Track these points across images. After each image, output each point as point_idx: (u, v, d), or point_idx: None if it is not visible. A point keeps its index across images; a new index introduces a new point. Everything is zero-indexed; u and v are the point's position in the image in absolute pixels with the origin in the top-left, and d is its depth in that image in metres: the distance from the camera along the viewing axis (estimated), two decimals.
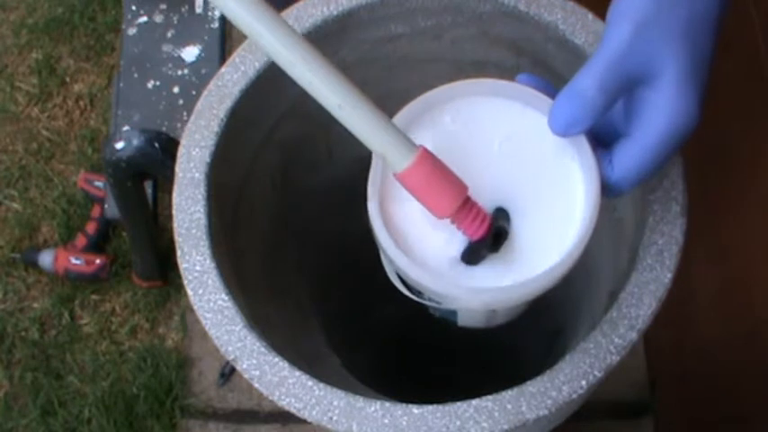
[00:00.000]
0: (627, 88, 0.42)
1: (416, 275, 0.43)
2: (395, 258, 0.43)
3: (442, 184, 0.42)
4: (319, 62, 0.41)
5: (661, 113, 0.41)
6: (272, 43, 0.40)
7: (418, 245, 0.44)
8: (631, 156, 0.43)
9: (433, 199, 0.42)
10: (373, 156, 0.44)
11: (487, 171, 0.44)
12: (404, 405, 0.48)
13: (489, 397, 0.48)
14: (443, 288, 0.43)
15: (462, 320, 0.50)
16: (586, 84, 0.41)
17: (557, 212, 0.44)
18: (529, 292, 0.43)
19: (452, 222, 0.43)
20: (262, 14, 0.39)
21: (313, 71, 0.41)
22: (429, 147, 0.42)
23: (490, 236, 0.43)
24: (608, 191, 0.44)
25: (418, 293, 0.45)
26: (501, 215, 0.44)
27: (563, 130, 0.42)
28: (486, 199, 0.44)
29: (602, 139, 0.44)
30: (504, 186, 0.44)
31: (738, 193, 0.81)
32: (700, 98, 0.42)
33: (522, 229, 0.44)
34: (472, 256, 0.44)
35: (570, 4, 0.56)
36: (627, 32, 0.41)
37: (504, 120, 0.45)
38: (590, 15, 0.56)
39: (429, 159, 0.42)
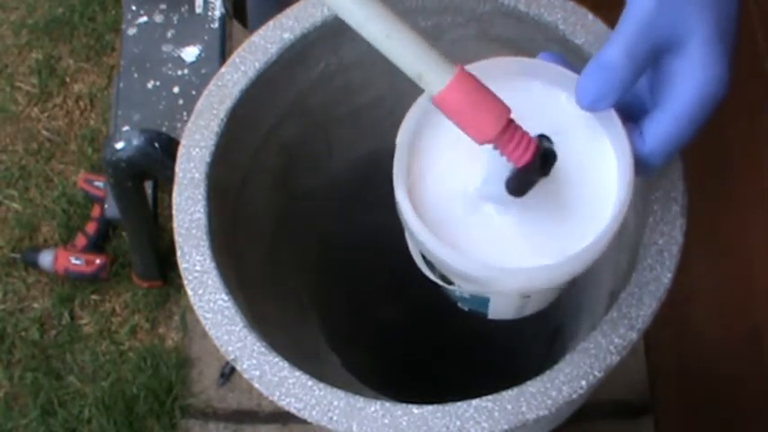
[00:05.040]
0: (654, 58, 0.41)
1: (451, 259, 0.41)
2: (427, 243, 0.41)
3: (483, 105, 0.40)
4: None
5: (690, 80, 0.41)
6: None
7: (449, 229, 0.43)
8: (662, 126, 0.42)
9: (474, 121, 0.40)
10: (398, 139, 0.44)
11: None
12: (404, 405, 0.48)
13: (489, 397, 0.48)
14: (479, 271, 0.41)
15: (493, 312, 0.49)
16: (613, 55, 0.41)
17: (590, 191, 0.43)
18: (566, 271, 0.42)
19: (496, 147, 0.41)
20: None
21: None
22: (451, 132, 0.41)
23: (538, 158, 0.41)
24: (641, 166, 0.43)
25: (448, 282, 0.45)
26: (545, 139, 0.42)
27: (591, 105, 0.42)
28: None
29: (628, 114, 0.43)
30: None
31: (738, 193, 0.81)
32: (728, 63, 0.41)
33: (557, 209, 0.43)
34: (520, 183, 0.42)
35: (570, 4, 0.56)
36: (651, 1, 0.40)
37: (531, 99, 0.44)
38: (590, 15, 0.56)
39: (468, 78, 0.40)
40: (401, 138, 0.44)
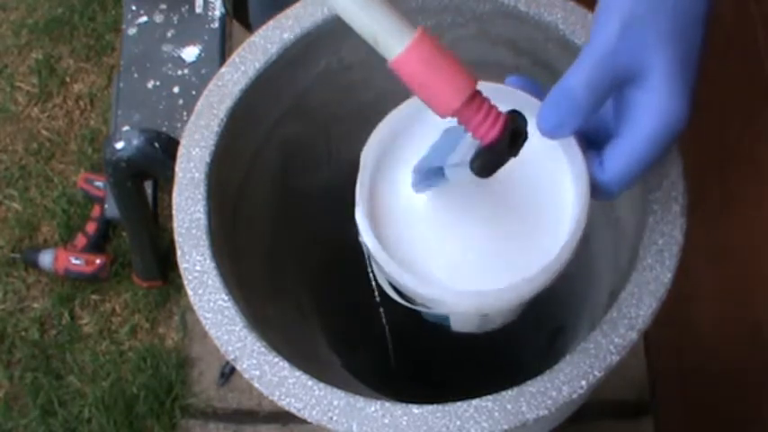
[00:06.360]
0: (615, 88, 0.42)
1: (405, 281, 0.42)
2: (383, 264, 0.43)
3: (446, 72, 0.36)
4: None
5: (649, 113, 0.41)
6: None
7: (408, 250, 0.44)
8: (621, 156, 0.42)
9: (435, 90, 0.36)
10: (361, 160, 0.44)
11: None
12: (404, 405, 0.48)
13: (489, 397, 0.48)
14: (432, 293, 0.42)
15: (455, 325, 0.50)
16: (573, 85, 0.41)
17: (547, 215, 0.44)
18: (518, 295, 0.43)
19: (460, 122, 0.38)
20: None
21: None
22: (414, 156, 0.41)
23: (507, 135, 0.38)
24: (599, 192, 0.43)
25: (410, 299, 0.45)
26: (517, 115, 0.39)
27: (551, 132, 0.42)
28: (477, 202, 0.44)
29: (594, 140, 0.44)
30: (495, 190, 0.44)
31: (738, 192, 0.81)
32: (688, 97, 0.41)
33: (513, 232, 0.44)
34: (486, 163, 0.39)
35: (570, 4, 0.56)
36: (613, 31, 0.40)
37: None
38: (590, 15, 0.56)
39: (430, 43, 0.36)
40: (365, 158, 0.44)
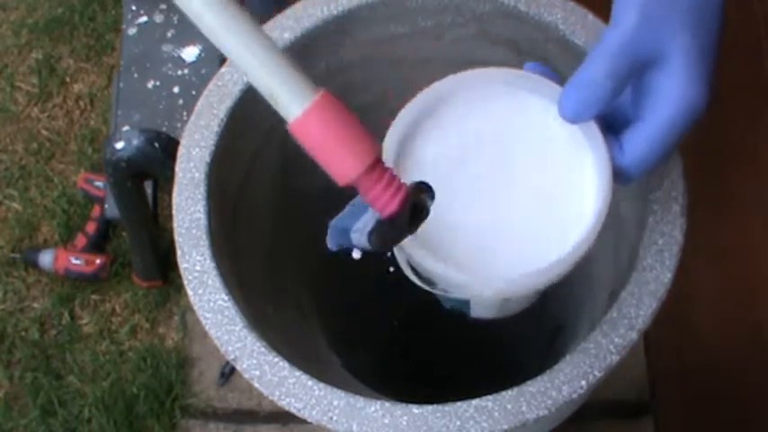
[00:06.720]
0: (635, 73, 0.42)
1: (430, 265, 0.42)
2: (408, 249, 0.42)
3: (346, 139, 0.35)
4: None
5: (670, 97, 0.42)
6: None
7: (430, 234, 0.44)
8: (641, 140, 0.43)
9: (332, 157, 0.35)
10: (384, 146, 0.44)
11: (500, 160, 0.44)
12: (404, 405, 0.48)
13: (489, 397, 0.48)
14: (456, 277, 0.42)
15: (475, 311, 0.50)
16: (595, 70, 0.41)
17: (569, 199, 0.44)
18: (543, 280, 0.42)
19: (359, 191, 0.37)
20: None
21: None
22: (438, 139, 0.41)
23: (406, 211, 0.36)
24: (619, 177, 0.43)
25: (430, 284, 0.45)
26: (423, 187, 0.38)
27: (573, 117, 0.43)
28: (500, 186, 0.44)
29: (612, 125, 0.44)
30: (518, 174, 0.44)
31: (738, 193, 0.81)
32: (708, 80, 0.42)
33: (536, 217, 0.44)
34: (383, 237, 0.37)
35: (570, 4, 0.56)
36: (633, 17, 0.41)
37: (514, 108, 0.45)
38: (590, 15, 0.56)
39: (332, 107, 0.35)
40: (387, 144, 0.44)
